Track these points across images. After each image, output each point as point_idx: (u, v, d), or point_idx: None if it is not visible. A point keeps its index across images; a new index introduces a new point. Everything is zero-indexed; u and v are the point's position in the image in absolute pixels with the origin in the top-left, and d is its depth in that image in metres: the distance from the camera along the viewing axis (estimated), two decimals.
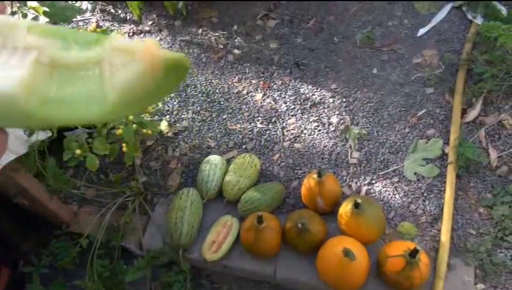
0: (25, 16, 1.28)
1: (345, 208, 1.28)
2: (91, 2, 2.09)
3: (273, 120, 1.67)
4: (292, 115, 1.67)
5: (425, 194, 1.42)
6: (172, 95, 1.80)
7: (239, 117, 1.70)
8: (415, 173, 1.45)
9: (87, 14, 2.09)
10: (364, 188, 1.47)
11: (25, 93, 0.23)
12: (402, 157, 1.49)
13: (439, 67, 1.65)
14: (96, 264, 1.40)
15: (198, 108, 1.75)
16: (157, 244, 1.48)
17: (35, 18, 1.26)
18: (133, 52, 0.25)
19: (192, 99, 1.78)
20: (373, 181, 1.47)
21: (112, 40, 0.26)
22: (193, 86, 1.81)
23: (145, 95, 0.25)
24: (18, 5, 1.23)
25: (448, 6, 1.79)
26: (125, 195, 1.54)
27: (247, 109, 1.71)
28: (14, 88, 0.22)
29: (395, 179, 1.46)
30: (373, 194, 1.45)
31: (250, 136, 1.64)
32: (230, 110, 1.72)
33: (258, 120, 1.68)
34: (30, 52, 0.24)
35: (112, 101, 0.24)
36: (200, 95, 1.79)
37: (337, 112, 1.64)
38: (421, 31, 1.75)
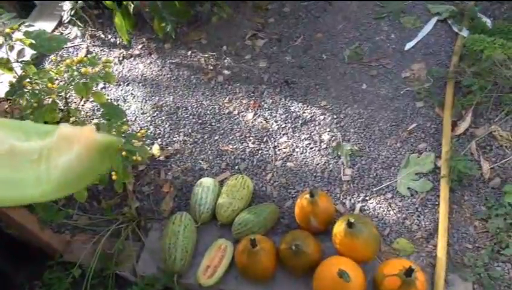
0: (11, 48, 1.29)
1: (339, 228, 1.27)
2: (80, 28, 2.11)
3: (264, 139, 1.67)
4: (283, 134, 1.67)
5: (419, 209, 1.41)
6: (163, 118, 1.80)
7: (231, 138, 1.70)
8: (409, 188, 1.45)
9: (77, 41, 2.10)
10: (358, 205, 1.46)
11: None
12: (395, 173, 1.49)
13: (427, 80, 1.66)
14: None
15: (189, 130, 1.75)
16: (152, 271, 1.46)
17: (22, 50, 1.26)
18: (73, 138, 0.29)
19: (184, 122, 1.78)
20: (367, 198, 1.46)
21: (60, 129, 0.30)
22: (184, 108, 1.81)
23: (84, 174, 0.28)
24: (4, 37, 1.24)
25: (433, 20, 1.81)
26: (118, 222, 1.52)
27: (238, 129, 1.71)
28: None
29: (389, 195, 1.45)
30: (367, 211, 1.44)
31: (243, 156, 1.64)
32: (221, 131, 1.72)
33: (250, 140, 1.67)
34: None
35: (55, 181, 0.28)
36: (191, 117, 1.79)
37: (328, 129, 1.64)
38: (408, 45, 1.76)
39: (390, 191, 1.46)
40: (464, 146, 1.47)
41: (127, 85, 1.94)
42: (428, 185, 1.44)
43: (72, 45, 2.10)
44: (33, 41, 1.21)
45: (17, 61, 1.23)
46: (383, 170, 1.51)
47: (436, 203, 1.40)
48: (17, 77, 1.33)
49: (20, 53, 1.28)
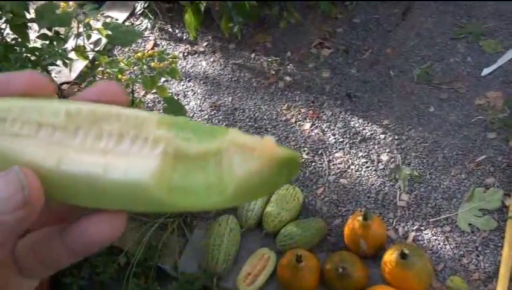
0: (89, 37, 1.34)
1: (390, 256, 1.21)
2: (151, 21, 2.17)
3: (319, 152, 1.63)
4: (340, 149, 1.62)
5: (479, 249, 1.31)
6: (220, 117, 1.81)
7: (285, 146, 1.67)
8: (470, 224, 1.35)
9: (146, 33, 2.16)
10: (411, 234, 1.38)
11: (155, 183, 0.25)
12: (456, 205, 1.40)
13: (503, 111, 1.54)
14: (132, 282, 1.41)
15: (245, 133, 1.74)
16: (192, 268, 1.47)
17: (98, 40, 1.31)
18: (252, 148, 0.26)
19: (240, 124, 1.77)
20: (422, 227, 1.39)
21: (232, 135, 0.27)
22: (241, 110, 1.81)
23: (261, 187, 0.27)
24: (83, 27, 1.29)
25: None
26: (166, 215, 1.55)
27: (294, 138, 1.68)
28: (147, 178, 0.25)
29: (447, 228, 1.37)
30: (421, 242, 1.36)
31: None
32: (277, 138, 1.70)
33: (304, 150, 1.64)
34: (158, 144, 0.26)
35: (231, 192, 0.26)
36: (247, 120, 1.78)
37: (387, 150, 1.57)
38: (486, 71, 1.65)
39: (449, 224, 1.37)
40: None
41: (189, 81, 1.97)
42: (493, 223, 1.33)
43: (141, 36, 2.16)
44: (110, 33, 1.25)
45: (93, 50, 1.28)
46: (443, 201, 1.42)
47: (500, 245, 1.30)
48: (90, 64, 1.38)
49: (97, 43, 1.32)
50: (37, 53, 1.20)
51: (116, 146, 0.26)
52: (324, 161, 1.60)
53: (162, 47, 2.10)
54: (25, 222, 0.23)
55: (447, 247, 1.33)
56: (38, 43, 1.24)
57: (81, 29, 1.31)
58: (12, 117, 0.26)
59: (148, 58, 1.38)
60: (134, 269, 1.47)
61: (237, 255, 1.44)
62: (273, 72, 1.90)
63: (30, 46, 1.22)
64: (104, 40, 1.35)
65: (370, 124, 1.65)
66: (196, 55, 2.06)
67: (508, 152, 1.45)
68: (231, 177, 0.26)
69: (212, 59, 2.02)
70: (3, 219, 0.22)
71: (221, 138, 0.27)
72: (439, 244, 1.35)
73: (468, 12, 1.86)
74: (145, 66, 1.35)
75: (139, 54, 1.35)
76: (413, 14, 1.92)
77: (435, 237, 1.36)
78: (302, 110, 1.75)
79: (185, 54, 2.07)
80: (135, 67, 1.35)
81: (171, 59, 1.45)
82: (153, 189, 0.25)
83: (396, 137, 1.59)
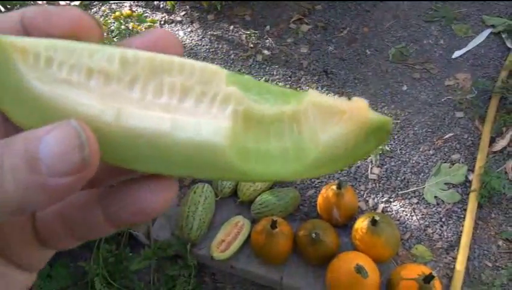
0: None
1: (361, 224, 1.25)
2: None
3: None
4: None
5: (443, 220, 1.38)
6: None
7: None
8: (435, 197, 1.42)
9: None
10: (381, 205, 1.44)
11: (228, 145, 0.22)
12: (423, 179, 1.46)
13: (471, 92, 1.61)
14: (103, 248, 1.39)
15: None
16: (165, 236, 1.46)
17: None
18: (340, 111, 0.23)
19: None
20: (391, 199, 1.44)
21: (311, 96, 0.24)
22: None
23: (345, 155, 0.23)
24: None
25: (487, 32, 1.75)
26: None
27: None
28: (222, 139, 0.21)
29: (414, 200, 1.43)
30: (390, 213, 1.42)
31: None
32: None
33: None
34: (228, 102, 0.23)
35: (312, 159, 0.23)
36: None
37: None
38: (457, 53, 1.72)
39: (416, 196, 1.44)
40: (498, 164, 1.44)
41: None
42: (457, 196, 1.41)
43: (116, 1, 2.09)
44: None
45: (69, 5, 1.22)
46: (412, 175, 1.48)
47: (462, 216, 1.38)
48: None
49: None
50: None
51: (180, 103, 0.22)
52: None
53: (141, 14, 2.03)
54: (76, 189, 0.18)
55: (414, 218, 1.40)
56: None
57: None
58: (59, 59, 0.21)
59: (126, 19, 1.34)
60: (106, 236, 1.44)
61: (211, 223, 1.44)
62: (252, 45, 1.89)
63: None
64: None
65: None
66: (173, 24, 2.02)
67: (474, 131, 1.53)
68: (313, 142, 0.23)
69: (189, 29, 1.99)
70: (54, 182, 0.17)
71: (298, 100, 0.24)
72: (407, 215, 1.41)
73: None
74: (122, 26, 1.31)
75: (116, 13, 1.31)
76: None
77: (402, 209, 1.42)
78: (280, 84, 1.76)
79: (162, 22, 2.02)
80: (112, 27, 1.31)
81: (149, 22, 1.42)
82: (224, 152, 0.21)
83: None
